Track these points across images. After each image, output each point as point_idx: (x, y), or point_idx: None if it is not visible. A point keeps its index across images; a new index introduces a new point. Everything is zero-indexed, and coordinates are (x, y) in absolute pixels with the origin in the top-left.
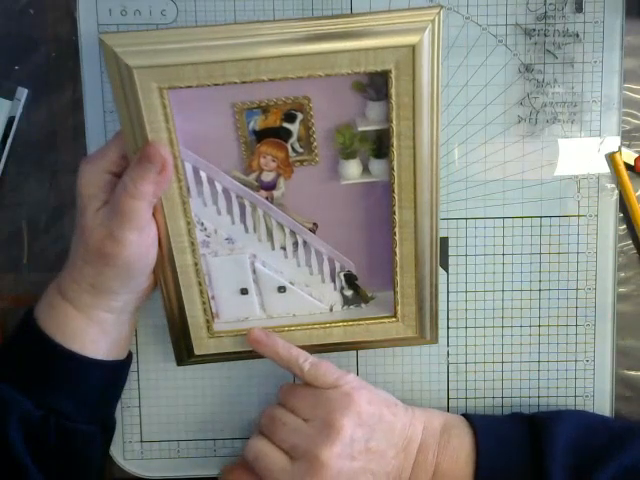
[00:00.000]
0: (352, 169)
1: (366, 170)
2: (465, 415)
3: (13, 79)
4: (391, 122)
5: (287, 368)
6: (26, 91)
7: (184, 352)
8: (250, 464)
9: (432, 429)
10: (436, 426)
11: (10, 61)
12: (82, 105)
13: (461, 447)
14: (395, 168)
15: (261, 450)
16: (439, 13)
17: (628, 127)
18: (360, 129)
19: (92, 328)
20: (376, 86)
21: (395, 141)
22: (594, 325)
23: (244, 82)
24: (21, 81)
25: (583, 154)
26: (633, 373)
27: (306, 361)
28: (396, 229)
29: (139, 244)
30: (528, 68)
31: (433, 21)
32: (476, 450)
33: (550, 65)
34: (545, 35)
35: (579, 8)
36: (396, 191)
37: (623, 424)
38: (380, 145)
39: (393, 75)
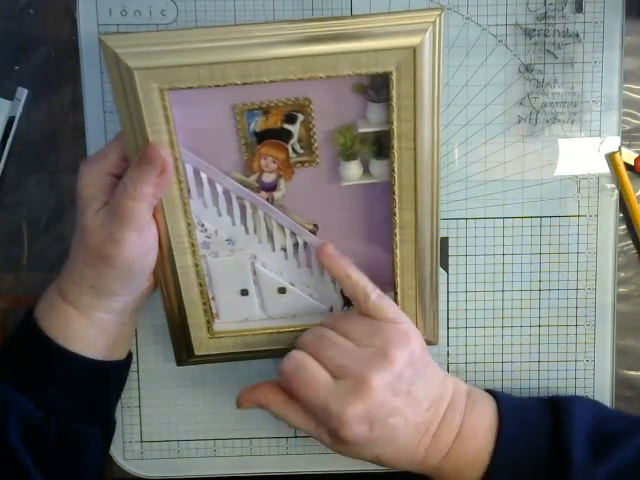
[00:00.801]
0: (353, 170)
1: (367, 171)
2: (487, 390)
3: (13, 79)
4: (392, 124)
5: (352, 292)
6: (26, 91)
7: (184, 352)
8: (285, 378)
9: (460, 391)
10: (463, 390)
11: (10, 61)
12: (82, 105)
13: (485, 413)
14: (396, 169)
15: (304, 363)
16: (440, 15)
17: (628, 127)
18: (361, 130)
19: (92, 329)
20: (377, 88)
21: (396, 143)
22: (594, 325)
23: (245, 83)
24: (21, 81)
25: (583, 154)
26: (633, 373)
27: (374, 291)
28: (396, 230)
29: (139, 245)
30: (528, 68)
31: (434, 23)
32: (499, 418)
33: (550, 65)
34: (545, 35)
35: (579, 8)
36: (396, 192)
37: (635, 416)
38: (381, 146)
39: (394, 77)
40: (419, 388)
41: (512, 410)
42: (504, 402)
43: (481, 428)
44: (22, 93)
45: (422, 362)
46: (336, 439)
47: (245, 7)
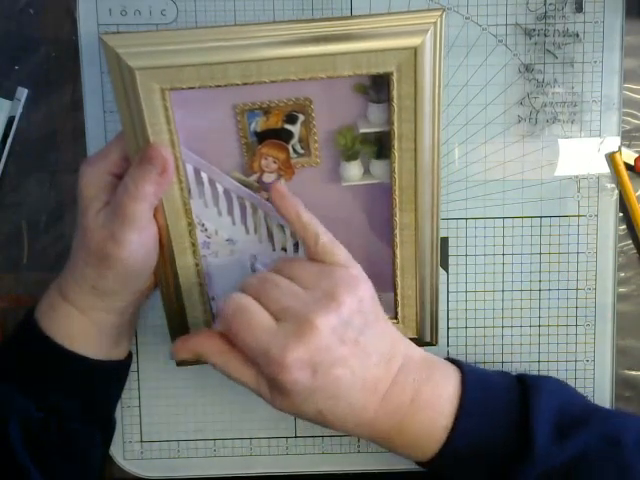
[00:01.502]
0: (353, 171)
1: (367, 172)
2: (450, 359)
3: (13, 79)
4: (392, 124)
5: (302, 234)
6: (26, 91)
7: None
8: (225, 321)
9: (413, 357)
10: (416, 355)
11: (10, 61)
12: (82, 105)
13: (445, 383)
14: (396, 170)
15: (245, 305)
16: (441, 15)
17: (628, 127)
18: (361, 131)
19: (93, 329)
20: (377, 88)
21: (396, 143)
22: (594, 325)
23: (246, 84)
24: (21, 81)
25: (583, 154)
26: (633, 373)
27: (325, 233)
28: (397, 231)
29: (140, 245)
30: (528, 68)
31: (435, 23)
32: (461, 390)
33: (550, 65)
34: (545, 35)
35: (579, 8)
36: (397, 193)
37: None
38: (381, 147)
39: (395, 77)
40: (368, 339)
41: (476, 383)
42: (469, 374)
43: (440, 398)
44: (22, 93)
45: (372, 313)
46: (275, 388)
47: (245, 7)
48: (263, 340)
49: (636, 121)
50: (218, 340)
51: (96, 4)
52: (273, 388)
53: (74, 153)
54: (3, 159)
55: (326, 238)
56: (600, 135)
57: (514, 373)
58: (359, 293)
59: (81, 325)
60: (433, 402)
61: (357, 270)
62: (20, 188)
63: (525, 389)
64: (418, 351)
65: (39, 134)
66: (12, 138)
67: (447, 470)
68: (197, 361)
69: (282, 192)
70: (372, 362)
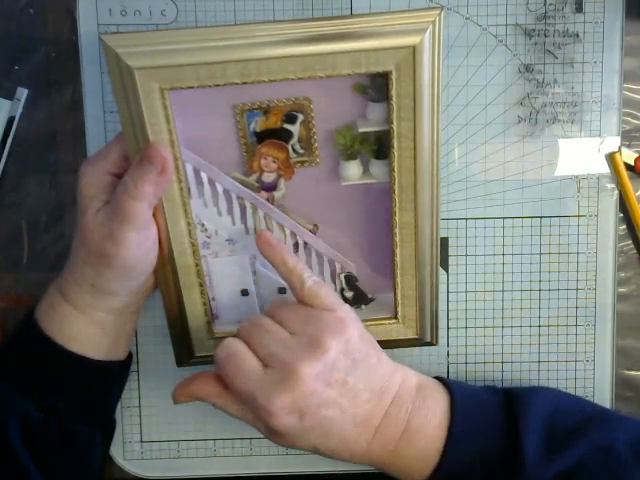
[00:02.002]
0: (353, 170)
1: (367, 171)
2: (439, 379)
3: (13, 79)
4: (392, 123)
5: (288, 279)
6: (26, 91)
7: (184, 353)
8: (218, 365)
9: (408, 386)
10: (412, 384)
11: (10, 61)
12: (82, 105)
13: (435, 409)
14: (395, 169)
15: (235, 349)
16: (440, 14)
17: (628, 127)
18: (361, 130)
19: (93, 329)
20: (377, 87)
21: (396, 142)
22: (594, 325)
23: (245, 83)
24: (21, 81)
25: (583, 154)
26: (633, 373)
27: (310, 277)
28: (396, 230)
29: (139, 245)
30: (528, 68)
31: (434, 22)
32: (450, 414)
33: (550, 65)
34: (545, 35)
35: (579, 8)
36: (396, 192)
37: (595, 405)
38: (381, 146)
39: (394, 76)
40: (357, 378)
41: (465, 405)
42: (457, 396)
43: (431, 425)
44: (22, 93)
45: (360, 352)
46: (267, 429)
47: (245, 7)
48: (251, 386)
49: (636, 121)
50: (215, 383)
51: (96, 4)
52: (266, 428)
53: (74, 153)
54: (3, 159)
55: (311, 282)
56: (600, 135)
57: (501, 387)
58: (345, 336)
59: (81, 325)
60: (425, 429)
61: (344, 312)
62: (20, 188)
63: (513, 405)
64: (413, 379)
65: (39, 134)
66: (12, 138)
67: None
68: (197, 362)
69: (268, 240)
70: (363, 399)
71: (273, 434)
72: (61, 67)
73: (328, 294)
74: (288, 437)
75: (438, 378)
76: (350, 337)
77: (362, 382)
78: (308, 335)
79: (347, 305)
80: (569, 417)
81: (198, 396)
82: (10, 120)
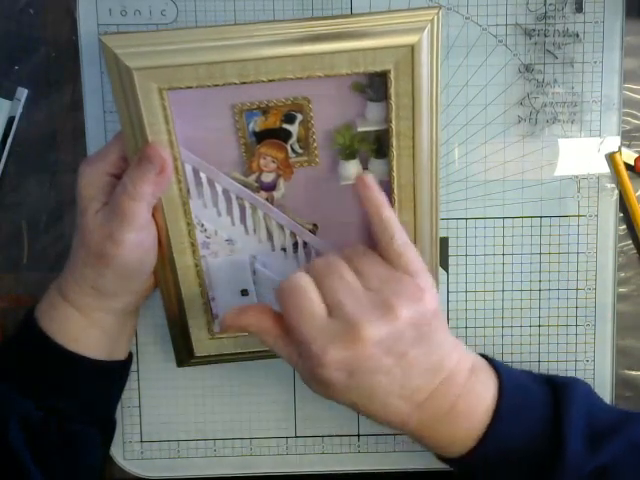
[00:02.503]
0: (352, 170)
1: (366, 171)
2: (487, 358)
3: (13, 79)
4: (390, 122)
5: (378, 231)
6: (26, 91)
7: (184, 353)
8: (281, 297)
9: (462, 369)
10: (467, 366)
11: (10, 61)
12: (82, 105)
13: (484, 395)
14: (394, 168)
15: (304, 287)
16: (438, 13)
17: (628, 127)
18: (360, 129)
19: (93, 329)
20: (375, 87)
21: (394, 141)
22: (594, 325)
23: (244, 83)
24: (21, 81)
25: (583, 154)
26: (633, 373)
27: (401, 237)
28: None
29: (138, 245)
30: (528, 68)
31: (432, 21)
32: (497, 401)
33: (550, 65)
34: (545, 35)
35: (579, 8)
36: (396, 192)
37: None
38: (380, 145)
39: (392, 75)
40: (418, 352)
41: (511, 393)
42: (506, 383)
43: (477, 410)
44: (22, 93)
45: (429, 326)
46: (312, 376)
47: (245, 7)
48: (309, 331)
49: (636, 121)
50: (269, 318)
51: (96, 4)
52: (310, 373)
53: (74, 153)
54: (3, 159)
55: (401, 241)
56: (600, 135)
57: (540, 373)
58: (420, 307)
59: (81, 325)
60: (470, 413)
61: (425, 281)
62: (20, 188)
63: (557, 395)
64: (468, 360)
65: (39, 134)
66: (12, 138)
67: (475, 471)
68: (197, 362)
69: (368, 184)
70: (415, 374)
71: (316, 382)
72: (61, 67)
73: (414, 258)
74: (330, 389)
75: (485, 357)
76: (425, 310)
77: (422, 357)
78: (383, 296)
79: (429, 275)
80: (606, 413)
81: (250, 329)
82: (10, 120)
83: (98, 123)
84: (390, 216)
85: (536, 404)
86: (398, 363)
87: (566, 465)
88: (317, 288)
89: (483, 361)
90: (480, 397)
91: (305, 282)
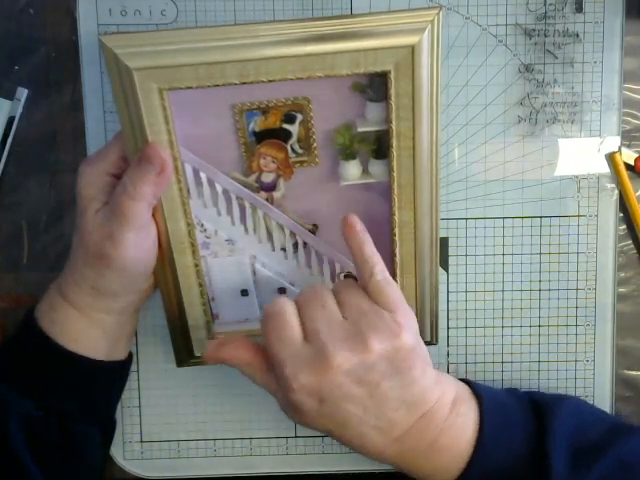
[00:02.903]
0: (352, 170)
1: (366, 171)
2: (467, 382)
3: (13, 79)
4: (390, 123)
5: (359, 267)
6: (26, 91)
7: (184, 353)
8: (264, 318)
9: (444, 402)
10: (448, 400)
11: (10, 61)
12: (82, 105)
13: (466, 427)
14: (395, 169)
15: (285, 312)
16: (438, 14)
17: (628, 127)
18: (360, 130)
19: (93, 329)
20: (375, 87)
21: (395, 142)
22: (594, 325)
23: (244, 83)
24: (21, 81)
25: (583, 154)
26: (633, 373)
27: (381, 272)
28: (396, 230)
29: (138, 245)
30: (528, 68)
31: (432, 22)
32: (479, 429)
33: (550, 65)
34: (545, 35)
35: (579, 8)
36: (396, 192)
37: (617, 419)
38: (380, 146)
39: (392, 76)
40: (393, 386)
41: (493, 414)
42: (487, 404)
43: (459, 443)
44: (22, 93)
45: (405, 362)
46: (286, 402)
47: (245, 7)
48: (284, 353)
49: (636, 121)
50: (247, 350)
51: (96, 4)
52: (284, 401)
53: (74, 153)
54: (3, 159)
55: (380, 277)
56: (600, 135)
57: (524, 390)
58: (396, 343)
59: (81, 325)
60: (452, 446)
61: (405, 317)
62: (20, 188)
63: (541, 416)
64: (450, 394)
65: (39, 134)
66: (12, 138)
67: None
68: (198, 362)
69: (353, 224)
70: (390, 407)
71: (289, 408)
72: (61, 67)
73: (393, 293)
74: (303, 416)
75: (465, 381)
76: (400, 346)
77: (397, 391)
78: (358, 328)
79: (410, 310)
80: (593, 430)
81: (229, 362)
82: (10, 120)
83: (98, 123)
84: (371, 254)
85: (519, 425)
86: (371, 394)
87: None
88: (299, 315)
89: (465, 388)
90: (462, 430)
91: (287, 308)
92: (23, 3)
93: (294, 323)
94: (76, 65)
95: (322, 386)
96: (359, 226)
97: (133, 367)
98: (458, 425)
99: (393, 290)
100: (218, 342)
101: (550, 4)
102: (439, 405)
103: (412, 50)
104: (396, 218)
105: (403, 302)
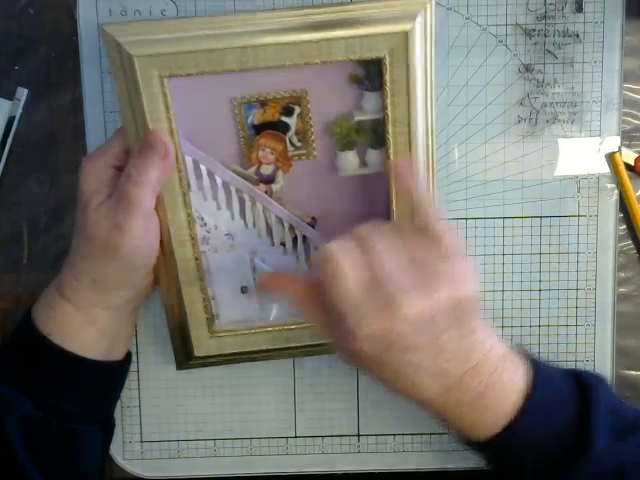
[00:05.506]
0: (349, 161)
1: (363, 162)
2: (524, 351)
3: (13, 79)
4: (386, 109)
5: (419, 207)
6: (26, 91)
7: (184, 353)
8: (319, 266)
9: (493, 356)
10: (498, 355)
11: (10, 61)
12: (82, 105)
13: (513, 388)
14: (391, 156)
15: (342, 255)
16: (431, 1)
17: (628, 127)
18: (357, 119)
19: (91, 327)
20: (372, 77)
21: (390, 128)
22: (594, 325)
23: (243, 70)
24: (21, 81)
25: (583, 154)
26: (633, 373)
27: (444, 221)
28: (394, 220)
29: (144, 233)
30: (528, 68)
31: (425, 9)
32: (527, 393)
33: (550, 65)
34: (545, 35)
35: (579, 8)
36: (393, 180)
37: None
38: (376, 135)
39: (387, 62)
40: (449, 338)
41: (543, 385)
42: (538, 377)
43: (503, 403)
44: (22, 93)
45: (465, 314)
46: (344, 349)
47: (245, 7)
48: (347, 304)
49: (636, 121)
50: (305, 287)
51: (96, 4)
52: (341, 345)
53: (74, 153)
54: (3, 159)
55: (442, 222)
56: (600, 135)
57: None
58: (461, 293)
59: (78, 323)
60: (496, 407)
61: (467, 266)
62: (20, 188)
63: (583, 389)
64: (499, 351)
65: (39, 134)
66: (12, 138)
67: (496, 457)
68: (197, 364)
69: (408, 167)
70: (444, 358)
71: (347, 355)
72: (61, 67)
73: (454, 240)
74: (360, 362)
75: (521, 350)
76: (464, 297)
77: (452, 343)
78: (426, 276)
79: (470, 259)
80: (627, 410)
81: (285, 293)
82: (10, 120)
83: (98, 123)
84: (431, 197)
85: (564, 396)
86: (429, 344)
87: (593, 456)
88: (359, 257)
89: (515, 352)
90: (507, 387)
91: (343, 250)
92: (23, 3)
93: (353, 268)
94: (76, 65)
95: (387, 335)
96: (414, 167)
97: (133, 367)
98: (504, 381)
99: (454, 237)
100: (274, 274)
101: (550, 4)
102: (488, 357)
103: (406, 36)
104: (394, 208)
105: (463, 250)
